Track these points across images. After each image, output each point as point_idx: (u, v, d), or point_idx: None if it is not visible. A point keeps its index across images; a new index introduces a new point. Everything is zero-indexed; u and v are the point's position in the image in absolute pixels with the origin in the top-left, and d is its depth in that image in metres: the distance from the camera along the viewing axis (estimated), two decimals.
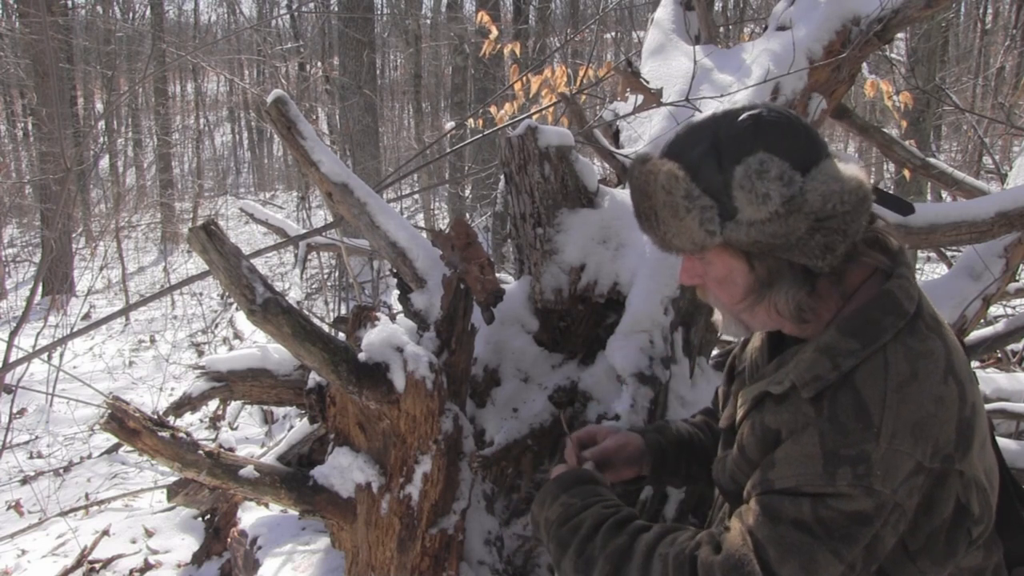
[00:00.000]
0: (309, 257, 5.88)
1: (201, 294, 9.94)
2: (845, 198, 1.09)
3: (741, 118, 1.12)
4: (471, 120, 5.61)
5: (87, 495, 4.28)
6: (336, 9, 11.43)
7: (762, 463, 1.16)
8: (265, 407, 5.03)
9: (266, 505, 3.02)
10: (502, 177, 2.33)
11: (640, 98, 2.69)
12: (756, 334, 1.39)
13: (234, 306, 6.78)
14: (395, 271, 2.27)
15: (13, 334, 3.19)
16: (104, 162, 16.09)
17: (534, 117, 3.52)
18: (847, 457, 1.06)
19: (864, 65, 3.45)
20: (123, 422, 1.57)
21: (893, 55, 5.78)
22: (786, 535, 1.08)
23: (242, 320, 5.32)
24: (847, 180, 1.11)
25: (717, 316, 1.31)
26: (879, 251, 1.20)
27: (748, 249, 1.13)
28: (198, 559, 3.12)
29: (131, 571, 3.24)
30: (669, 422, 1.64)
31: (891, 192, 1.24)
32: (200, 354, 7.45)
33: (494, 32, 4.35)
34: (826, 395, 1.11)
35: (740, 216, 1.10)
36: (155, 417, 1.64)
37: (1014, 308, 4.81)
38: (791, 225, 1.09)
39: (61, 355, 5.85)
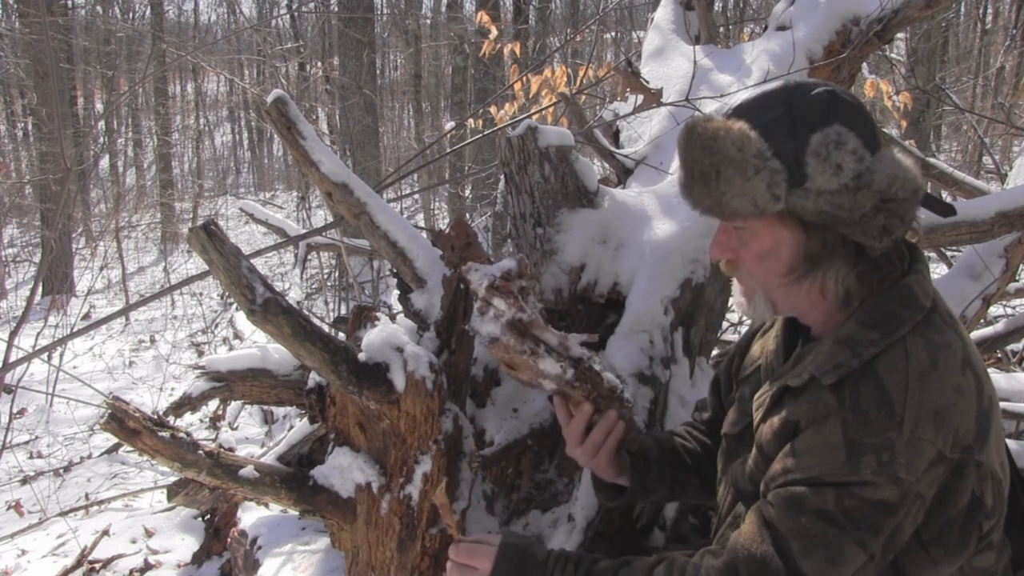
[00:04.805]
0: (309, 257, 5.88)
1: (201, 294, 9.93)
2: (907, 185, 1.11)
3: (817, 90, 1.13)
4: (471, 120, 5.61)
5: (87, 495, 4.28)
6: (336, 9, 11.42)
7: (780, 454, 1.15)
8: (265, 407, 5.03)
9: (266, 505, 3.02)
10: (502, 177, 2.32)
11: (640, 98, 2.69)
12: (770, 337, 1.37)
13: (234, 306, 6.78)
14: (395, 271, 2.27)
15: (13, 334, 3.19)
16: (104, 162, 16.10)
17: (534, 117, 3.52)
18: (871, 445, 1.05)
19: (864, 65, 3.45)
20: (123, 422, 1.57)
21: (893, 55, 5.78)
22: (810, 527, 1.07)
23: (242, 320, 5.32)
24: (908, 169, 1.12)
25: (737, 298, 1.28)
26: (905, 247, 1.23)
27: (810, 219, 1.12)
28: (198, 559, 3.12)
29: (131, 571, 3.24)
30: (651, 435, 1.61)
31: (934, 195, 1.25)
32: (200, 354, 7.45)
33: (494, 32, 4.35)
34: (847, 384, 1.11)
35: (809, 184, 1.09)
36: (155, 417, 1.64)
37: (1014, 308, 4.80)
38: (859, 200, 1.09)
39: (61, 355, 5.86)
